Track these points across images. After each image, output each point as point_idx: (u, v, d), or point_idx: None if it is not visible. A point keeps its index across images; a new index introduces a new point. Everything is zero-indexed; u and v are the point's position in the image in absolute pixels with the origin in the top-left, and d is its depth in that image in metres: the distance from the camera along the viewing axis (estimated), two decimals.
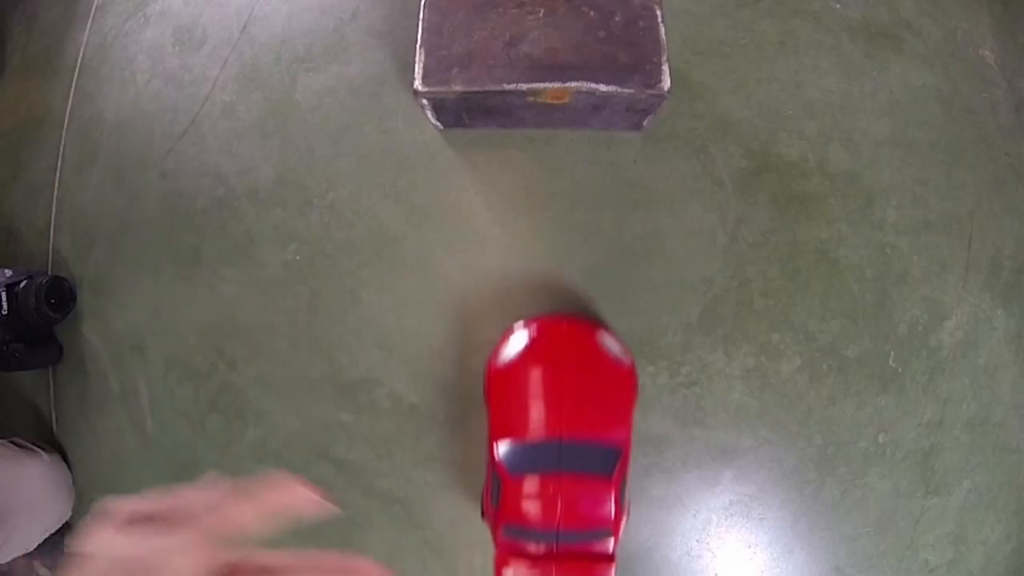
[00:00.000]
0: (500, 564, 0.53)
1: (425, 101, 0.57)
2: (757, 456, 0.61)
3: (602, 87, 0.53)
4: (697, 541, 0.61)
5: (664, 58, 0.53)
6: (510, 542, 0.53)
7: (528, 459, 0.52)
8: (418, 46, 0.55)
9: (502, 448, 0.52)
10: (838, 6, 0.66)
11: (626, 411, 0.54)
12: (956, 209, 0.64)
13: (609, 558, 0.53)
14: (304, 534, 0.66)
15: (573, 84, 0.53)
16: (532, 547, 0.52)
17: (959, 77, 0.66)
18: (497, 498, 0.53)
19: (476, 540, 0.63)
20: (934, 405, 0.62)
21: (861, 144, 0.64)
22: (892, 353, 0.62)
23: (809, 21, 0.66)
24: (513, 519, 0.52)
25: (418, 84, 0.54)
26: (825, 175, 0.63)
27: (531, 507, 0.52)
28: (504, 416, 0.54)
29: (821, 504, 0.61)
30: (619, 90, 0.53)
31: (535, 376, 0.54)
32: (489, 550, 0.63)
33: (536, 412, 0.53)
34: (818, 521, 0.61)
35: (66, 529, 0.69)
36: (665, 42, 0.53)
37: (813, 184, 0.63)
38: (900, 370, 0.62)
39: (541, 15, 0.54)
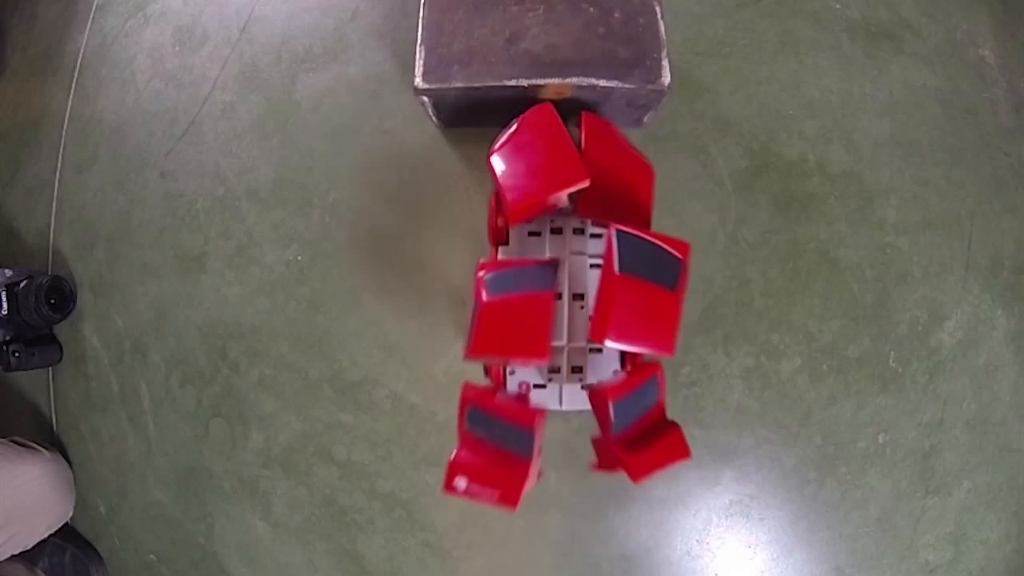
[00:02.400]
0: (455, 472, 0.38)
1: (426, 99, 0.57)
2: (757, 456, 0.61)
3: (602, 82, 0.53)
4: (697, 541, 0.61)
5: (664, 53, 0.53)
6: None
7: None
8: (418, 44, 0.55)
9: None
10: (838, 6, 0.66)
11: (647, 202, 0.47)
12: (956, 209, 0.64)
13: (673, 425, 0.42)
14: (307, 536, 0.66)
15: (573, 80, 0.53)
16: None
17: (959, 77, 0.66)
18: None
19: (477, 542, 0.62)
20: (934, 405, 0.62)
21: (861, 144, 0.64)
22: (892, 353, 0.62)
23: (809, 21, 0.66)
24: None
25: (419, 82, 0.54)
26: (825, 175, 0.63)
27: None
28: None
29: (821, 504, 0.61)
30: (619, 85, 0.53)
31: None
32: (490, 552, 0.63)
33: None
34: (818, 521, 0.61)
35: (66, 529, 0.69)
36: (665, 38, 0.54)
37: (813, 184, 0.63)
38: (900, 370, 0.62)
39: (541, 12, 0.54)
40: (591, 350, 0.52)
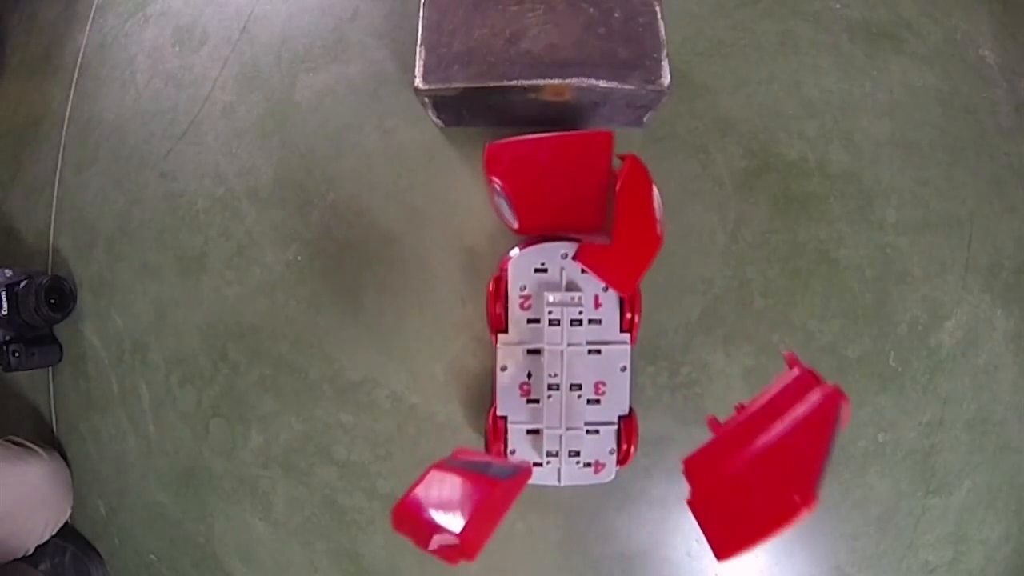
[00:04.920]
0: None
1: (426, 99, 0.57)
2: None
3: (602, 83, 0.53)
4: (697, 541, 0.61)
5: (664, 54, 0.53)
6: None
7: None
8: (418, 44, 0.55)
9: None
10: (838, 6, 0.66)
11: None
12: (956, 209, 0.64)
13: None
14: (307, 536, 0.66)
15: (573, 80, 0.53)
16: None
17: (959, 77, 0.66)
18: None
19: None
20: (934, 405, 0.62)
21: (861, 144, 0.64)
22: (892, 353, 0.62)
23: (809, 21, 0.66)
24: None
25: (419, 82, 0.54)
26: (825, 175, 0.63)
27: None
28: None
29: (821, 504, 0.61)
30: (619, 86, 0.53)
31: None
32: (490, 552, 0.62)
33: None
34: (818, 521, 0.61)
35: (66, 528, 0.69)
36: (665, 38, 0.54)
37: (813, 184, 0.63)
38: (900, 370, 0.62)
39: (541, 12, 0.54)
40: (588, 432, 0.54)
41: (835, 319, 0.62)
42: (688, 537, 0.61)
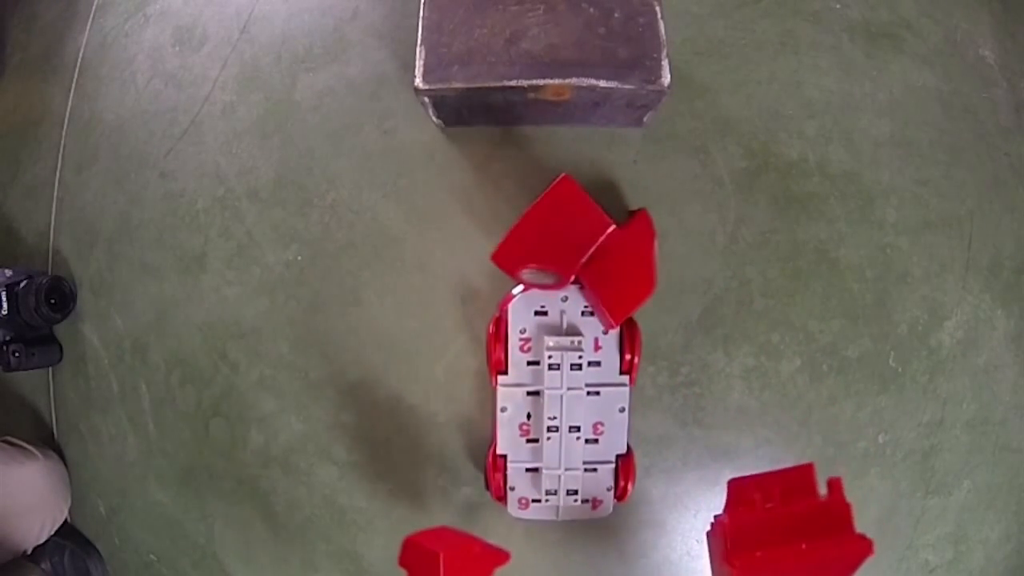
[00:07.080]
0: None
1: (426, 99, 0.57)
2: (757, 456, 0.61)
3: (602, 83, 0.53)
4: (697, 541, 0.61)
5: (664, 53, 0.53)
6: None
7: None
8: (418, 44, 0.55)
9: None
10: (838, 6, 0.66)
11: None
12: (956, 209, 0.64)
13: None
14: (307, 536, 0.66)
15: (573, 80, 0.53)
16: None
17: (959, 77, 0.66)
18: None
19: None
20: (934, 405, 0.62)
21: (861, 144, 0.64)
22: (892, 353, 0.62)
23: (809, 21, 0.66)
24: None
25: (419, 82, 0.54)
26: (825, 175, 0.63)
27: None
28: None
29: None
30: (619, 86, 0.53)
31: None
32: None
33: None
34: None
35: (64, 526, 0.69)
36: (665, 38, 0.54)
37: (813, 184, 0.63)
38: (900, 370, 0.62)
39: (541, 12, 0.54)
40: (586, 470, 0.55)
41: (835, 319, 0.62)
42: (688, 537, 0.61)
